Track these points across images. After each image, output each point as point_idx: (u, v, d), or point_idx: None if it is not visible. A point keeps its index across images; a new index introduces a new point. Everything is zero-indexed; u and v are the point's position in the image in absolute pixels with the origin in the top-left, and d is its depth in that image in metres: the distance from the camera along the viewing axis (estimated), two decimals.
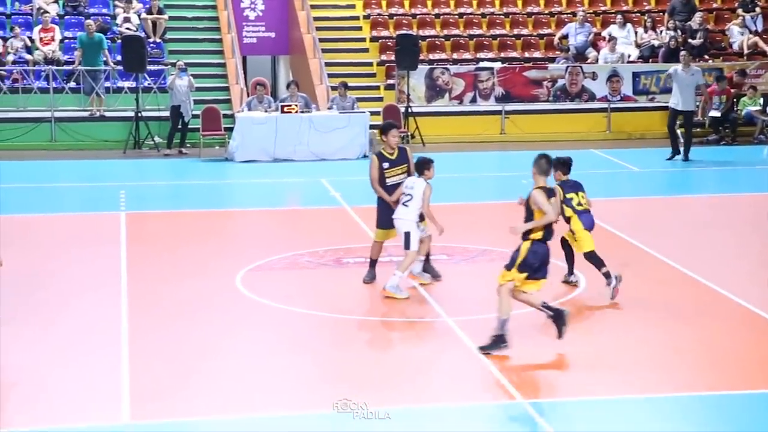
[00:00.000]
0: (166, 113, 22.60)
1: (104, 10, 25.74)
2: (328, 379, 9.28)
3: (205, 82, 24.24)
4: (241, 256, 13.46)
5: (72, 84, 23.48)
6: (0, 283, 11.54)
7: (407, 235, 11.55)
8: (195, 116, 22.51)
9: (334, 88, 23.35)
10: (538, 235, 9.77)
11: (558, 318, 9.83)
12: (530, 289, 9.86)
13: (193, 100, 22.52)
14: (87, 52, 23.29)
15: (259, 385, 9.09)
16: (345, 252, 13.73)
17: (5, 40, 23.86)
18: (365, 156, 21.74)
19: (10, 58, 23.52)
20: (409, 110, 23.73)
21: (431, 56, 26.02)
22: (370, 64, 26.02)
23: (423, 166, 11.56)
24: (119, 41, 23.80)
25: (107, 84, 23.56)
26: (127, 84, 23.56)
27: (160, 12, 25.19)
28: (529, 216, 9.83)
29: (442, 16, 27.33)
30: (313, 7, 26.49)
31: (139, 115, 22.59)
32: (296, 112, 21.56)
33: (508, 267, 9.78)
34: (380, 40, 26.27)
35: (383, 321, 11.04)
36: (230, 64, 25.08)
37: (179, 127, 22.37)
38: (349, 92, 22.78)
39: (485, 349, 9.70)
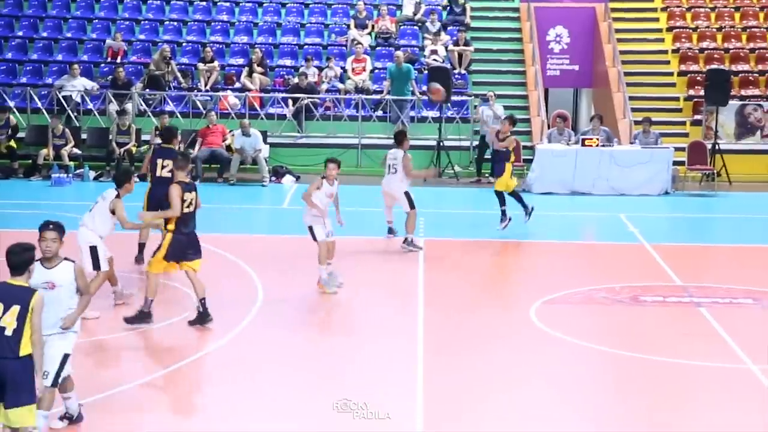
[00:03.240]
0: (467, 143, 22.98)
1: (413, 42, 26.54)
2: (616, 418, 9.09)
3: (506, 114, 24.41)
4: (536, 289, 13.42)
5: (379, 113, 24.35)
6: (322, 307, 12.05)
7: None
8: None
9: (637, 123, 22.90)
10: (172, 226, 10.91)
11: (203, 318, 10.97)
12: (192, 267, 11.02)
13: None
14: (395, 82, 24.12)
15: (547, 419, 8.99)
16: (642, 290, 13.39)
17: (321, 69, 25.11)
18: (667, 192, 21.18)
19: (324, 86, 24.72)
20: (717, 147, 22.87)
21: (743, 92, 25.05)
22: (676, 99, 25.34)
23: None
24: (426, 72, 24.47)
25: (412, 113, 24.26)
26: (431, 114, 24.15)
27: (466, 44, 25.68)
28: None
29: (757, 51, 26.22)
30: (619, 41, 26.14)
31: (441, 144, 23.08)
32: (597, 145, 21.34)
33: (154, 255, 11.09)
34: (689, 75, 25.55)
35: (678, 363, 10.62)
36: (532, 96, 25.17)
37: (485, 157, 22.67)
38: (654, 127, 22.28)
39: (129, 321, 10.91)
